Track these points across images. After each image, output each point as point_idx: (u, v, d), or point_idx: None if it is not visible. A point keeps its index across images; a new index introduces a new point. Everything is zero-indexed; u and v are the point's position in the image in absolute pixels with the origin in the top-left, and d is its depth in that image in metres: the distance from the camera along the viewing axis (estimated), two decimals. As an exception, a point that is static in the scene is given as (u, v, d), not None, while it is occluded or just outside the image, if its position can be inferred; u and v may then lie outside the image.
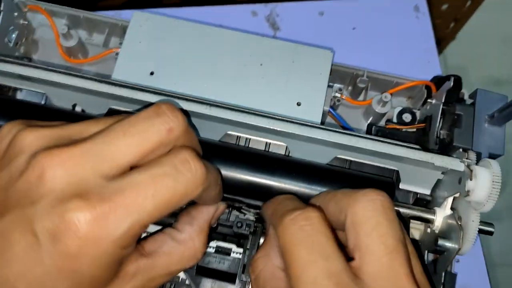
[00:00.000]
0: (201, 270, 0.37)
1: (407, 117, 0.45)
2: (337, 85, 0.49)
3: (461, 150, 0.34)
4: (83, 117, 0.37)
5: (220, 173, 0.31)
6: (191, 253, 0.32)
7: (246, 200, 0.35)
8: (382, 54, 0.53)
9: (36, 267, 0.24)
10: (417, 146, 0.35)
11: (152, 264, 0.29)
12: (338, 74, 0.48)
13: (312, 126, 0.35)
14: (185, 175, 0.25)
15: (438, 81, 0.44)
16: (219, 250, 0.39)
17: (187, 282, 0.39)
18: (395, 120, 0.45)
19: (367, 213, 0.25)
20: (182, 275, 0.39)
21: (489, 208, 0.32)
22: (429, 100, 0.43)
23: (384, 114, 0.46)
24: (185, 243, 0.31)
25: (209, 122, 0.37)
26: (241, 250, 0.38)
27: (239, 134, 0.38)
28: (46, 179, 0.24)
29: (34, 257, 0.24)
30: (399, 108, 0.46)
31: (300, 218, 0.26)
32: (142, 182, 0.25)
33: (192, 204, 0.33)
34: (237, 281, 0.37)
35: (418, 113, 0.45)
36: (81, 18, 0.49)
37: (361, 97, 0.49)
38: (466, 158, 0.33)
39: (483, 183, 0.32)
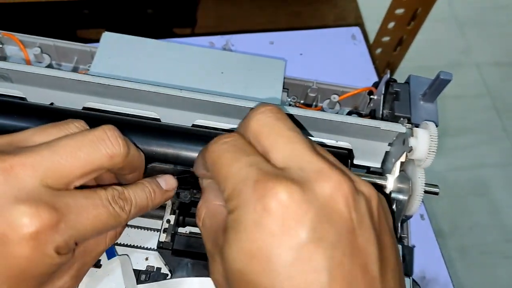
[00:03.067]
0: (176, 252, 0.39)
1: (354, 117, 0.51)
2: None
3: (402, 119, 0.40)
4: (61, 111, 0.39)
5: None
6: (113, 234, 0.35)
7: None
8: (327, 75, 0.60)
9: None
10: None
11: (83, 250, 0.32)
12: (290, 87, 0.53)
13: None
14: (119, 214, 0.31)
15: (378, 84, 0.51)
16: (192, 235, 0.41)
17: (162, 271, 0.40)
18: (344, 120, 0.51)
19: (260, 124, 0.28)
20: (156, 264, 0.40)
21: (429, 163, 0.37)
22: (371, 97, 0.49)
23: (334, 116, 0.51)
24: None
25: (178, 111, 0.41)
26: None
27: (206, 123, 0.42)
28: None
29: None
30: (347, 110, 0.52)
31: (221, 137, 0.29)
32: (88, 206, 0.29)
33: None
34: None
35: (363, 114, 0.51)
36: (52, 46, 0.52)
37: (312, 106, 0.55)
38: (407, 123, 0.39)
39: (423, 140, 0.37)
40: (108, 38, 0.49)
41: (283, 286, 0.24)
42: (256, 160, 0.27)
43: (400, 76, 0.47)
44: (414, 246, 0.45)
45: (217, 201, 0.31)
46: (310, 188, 0.25)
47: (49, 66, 0.52)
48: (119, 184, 0.33)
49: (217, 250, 0.28)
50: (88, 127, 0.32)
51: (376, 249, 0.26)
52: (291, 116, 0.39)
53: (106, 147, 0.30)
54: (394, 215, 0.39)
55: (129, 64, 0.47)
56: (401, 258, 0.41)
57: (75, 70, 0.55)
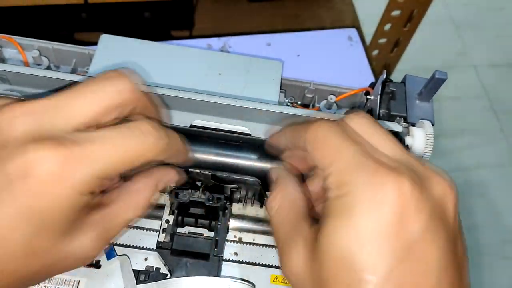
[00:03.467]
0: (175, 252, 0.39)
1: (351, 117, 0.51)
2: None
3: (398, 118, 0.40)
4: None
5: (184, 139, 0.35)
6: (141, 203, 0.33)
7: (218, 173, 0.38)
8: (324, 76, 0.60)
9: (3, 207, 0.26)
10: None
11: (109, 213, 0.31)
12: (287, 88, 0.54)
13: (271, 104, 0.39)
14: (149, 139, 0.29)
15: (375, 85, 0.51)
16: (191, 235, 0.41)
17: (161, 271, 0.40)
18: (341, 120, 0.51)
19: (362, 122, 0.29)
20: (156, 264, 0.40)
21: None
22: (368, 97, 0.49)
23: (331, 116, 0.52)
24: (138, 193, 0.33)
25: (176, 112, 0.41)
26: (211, 234, 0.41)
27: (204, 124, 0.42)
28: (15, 126, 0.27)
29: (2, 198, 0.26)
30: (344, 110, 0.52)
31: (325, 121, 0.29)
32: (111, 137, 0.28)
33: None
34: (210, 257, 0.39)
35: (360, 114, 0.52)
36: (50, 49, 0.53)
37: (310, 107, 0.55)
38: (403, 122, 0.39)
39: (419, 138, 0.37)
40: (106, 40, 0.49)
41: (390, 273, 0.24)
42: (369, 149, 0.27)
43: (397, 77, 0.48)
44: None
45: (295, 190, 0.31)
46: (426, 186, 0.25)
47: (48, 68, 0.52)
48: None
49: (300, 237, 0.28)
50: None
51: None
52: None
53: (111, 83, 0.29)
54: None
55: (127, 66, 0.48)
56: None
57: (73, 72, 0.55)
